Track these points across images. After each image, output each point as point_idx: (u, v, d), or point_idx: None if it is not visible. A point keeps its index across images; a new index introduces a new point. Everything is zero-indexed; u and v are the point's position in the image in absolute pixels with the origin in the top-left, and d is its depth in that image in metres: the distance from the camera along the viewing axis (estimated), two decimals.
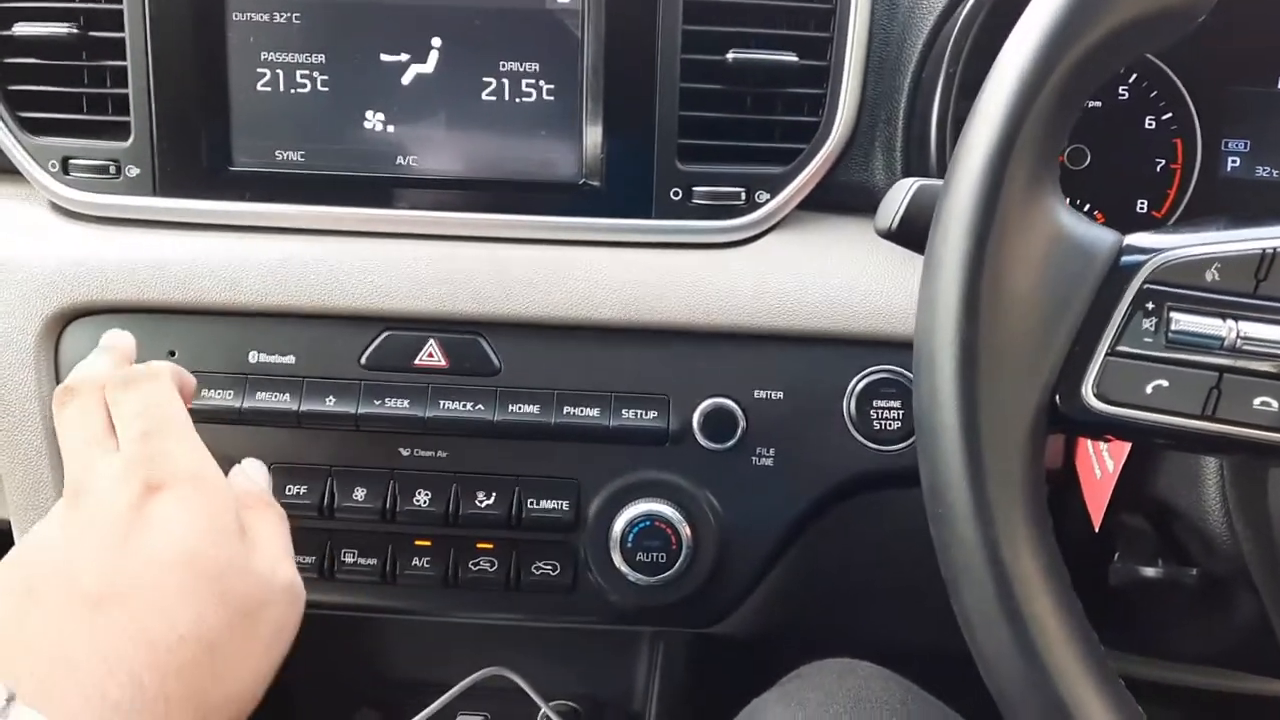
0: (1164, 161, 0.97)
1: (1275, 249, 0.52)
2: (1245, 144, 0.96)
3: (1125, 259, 0.53)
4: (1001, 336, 0.52)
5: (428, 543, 0.87)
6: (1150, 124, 0.96)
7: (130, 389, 0.68)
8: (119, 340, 0.76)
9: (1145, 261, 0.53)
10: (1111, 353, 0.53)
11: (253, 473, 0.75)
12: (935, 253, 0.54)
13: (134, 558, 0.59)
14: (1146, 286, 0.53)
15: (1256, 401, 0.52)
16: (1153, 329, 0.52)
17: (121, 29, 0.83)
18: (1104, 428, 0.53)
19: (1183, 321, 0.52)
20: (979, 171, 0.53)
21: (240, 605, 0.61)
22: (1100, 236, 0.54)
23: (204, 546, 0.61)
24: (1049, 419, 0.53)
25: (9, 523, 0.90)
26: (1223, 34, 0.87)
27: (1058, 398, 0.53)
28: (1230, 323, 0.52)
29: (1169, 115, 0.96)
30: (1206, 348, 0.52)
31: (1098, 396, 0.52)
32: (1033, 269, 0.53)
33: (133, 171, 0.86)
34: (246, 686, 0.60)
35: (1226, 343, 0.52)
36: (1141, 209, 0.98)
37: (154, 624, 0.57)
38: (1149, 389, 0.52)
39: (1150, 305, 0.52)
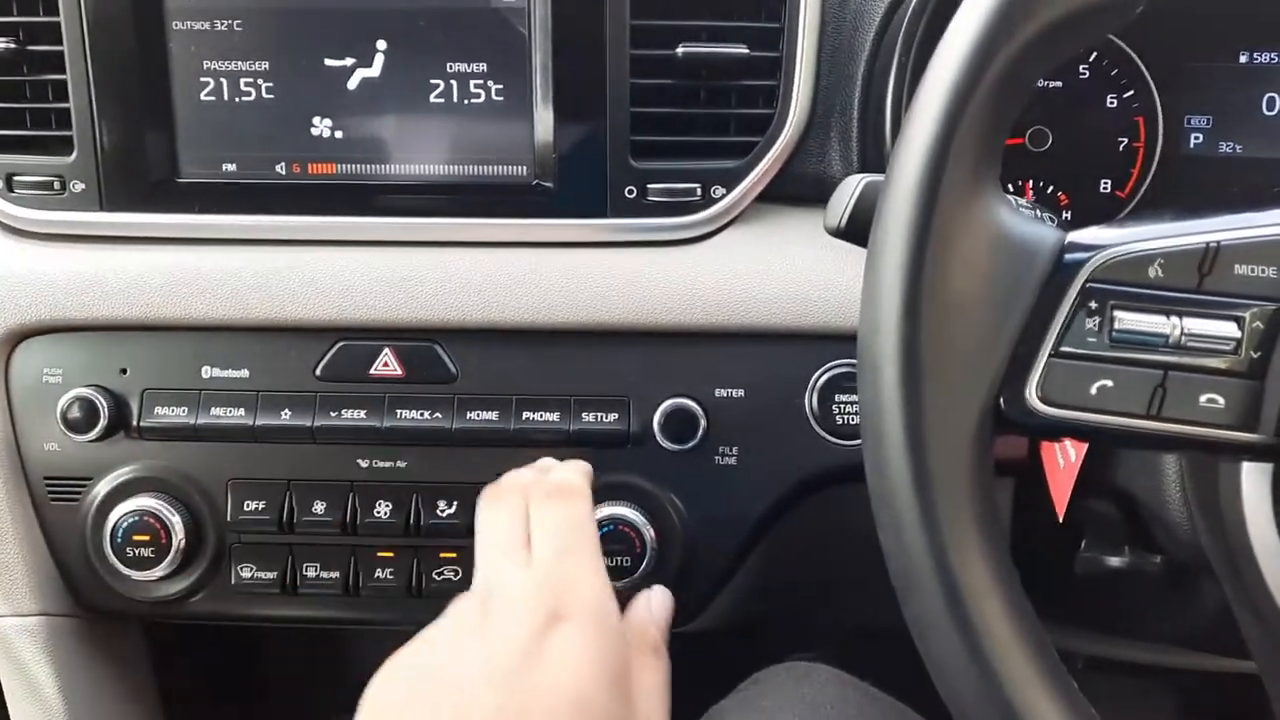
0: (1126, 140, 0.96)
1: (1218, 243, 0.51)
2: (1207, 120, 0.95)
3: (1068, 257, 0.52)
4: (944, 341, 0.51)
5: (390, 554, 0.86)
6: (1112, 103, 0.95)
7: (554, 503, 0.70)
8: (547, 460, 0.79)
9: (1088, 259, 0.52)
10: (1055, 354, 0.52)
11: (656, 605, 0.74)
12: (876, 256, 0.53)
13: (527, 691, 0.58)
14: (1089, 285, 0.52)
15: (1202, 399, 0.51)
16: (1096, 328, 0.51)
17: (60, 43, 0.82)
18: (1050, 430, 0.53)
19: (1126, 320, 0.51)
20: (917, 173, 0.52)
21: None
22: (1042, 235, 0.53)
23: (593, 694, 0.60)
24: (994, 422, 0.52)
25: None
26: (1182, 9, 0.87)
27: (1002, 401, 0.52)
28: (1174, 319, 0.51)
29: (1130, 93, 0.95)
30: (1151, 346, 0.51)
31: (1042, 399, 0.52)
32: (974, 271, 0.52)
33: (78, 187, 0.84)
34: None
35: (1171, 340, 0.51)
36: (1105, 189, 0.97)
37: None
38: (1093, 390, 0.51)
39: (1093, 304, 0.52)
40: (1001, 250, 0.52)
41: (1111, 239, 0.52)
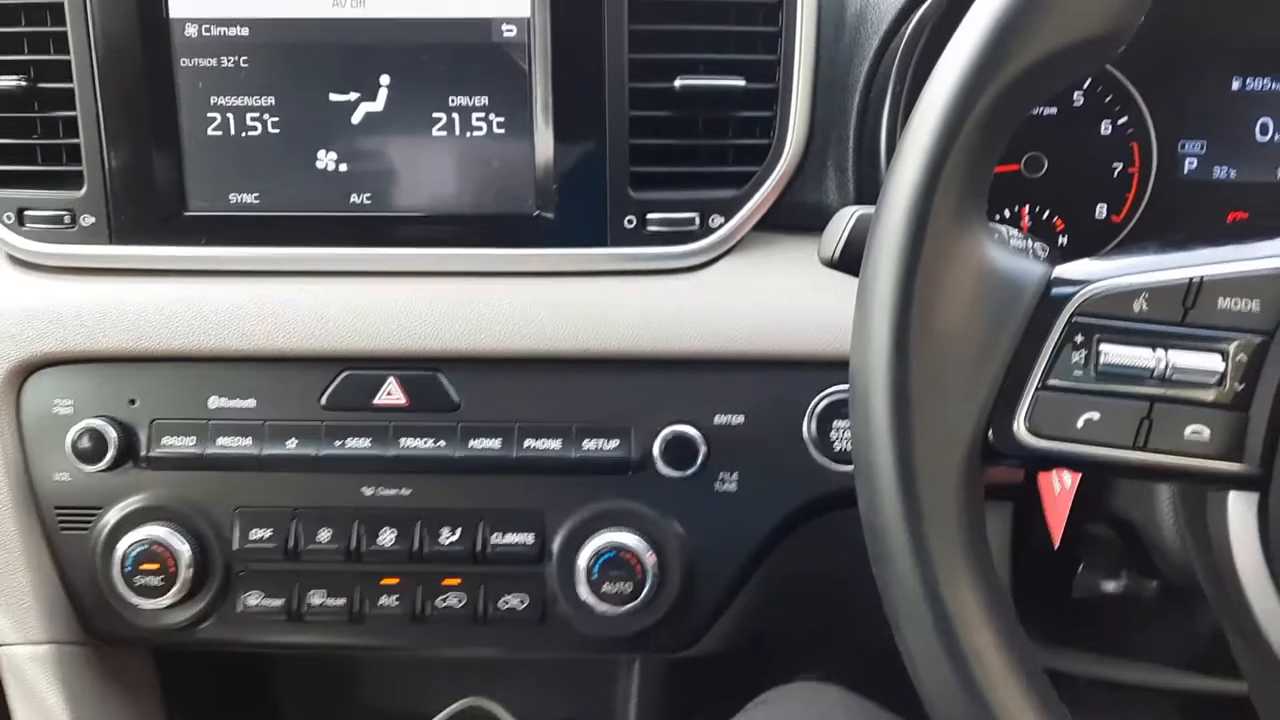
0: (1121, 165, 0.97)
1: (1202, 277, 0.52)
2: (1202, 145, 0.96)
3: (1054, 292, 0.53)
4: (932, 374, 0.52)
5: (394, 580, 0.87)
6: (1106, 129, 0.97)
7: None
8: None
9: (1074, 294, 0.53)
10: (1042, 386, 0.53)
11: None
12: (865, 290, 0.54)
13: None
14: (1075, 319, 0.53)
15: (1188, 430, 0.52)
16: (1082, 361, 0.52)
17: (70, 80, 0.83)
18: (1038, 460, 0.53)
19: (1112, 353, 0.52)
20: (905, 208, 0.53)
21: None
22: (1028, 270, 0.54)
23: None
24: (983, 454, 0.53)
25: None
26: (1175, 36, 0.88)
27: (990, 433, 0.53)
28: (1160, 352, 0.52)
29: (1124, 119, 0.96)
30: (1136, 378, 0.52)
31: (1030, 431, 0.53)
32: (962, 305, 0.53)
33: (88, 220, 0.86)
34: None
35: (1156, 373, 0.52)
36: (1101, 214, 0.98)
37: None
38: (1080, 422, 0.52)
39: (1079, 338, 0.52)
40: (989, 284, 0.53)
41: (1097, 273, 0.53)
